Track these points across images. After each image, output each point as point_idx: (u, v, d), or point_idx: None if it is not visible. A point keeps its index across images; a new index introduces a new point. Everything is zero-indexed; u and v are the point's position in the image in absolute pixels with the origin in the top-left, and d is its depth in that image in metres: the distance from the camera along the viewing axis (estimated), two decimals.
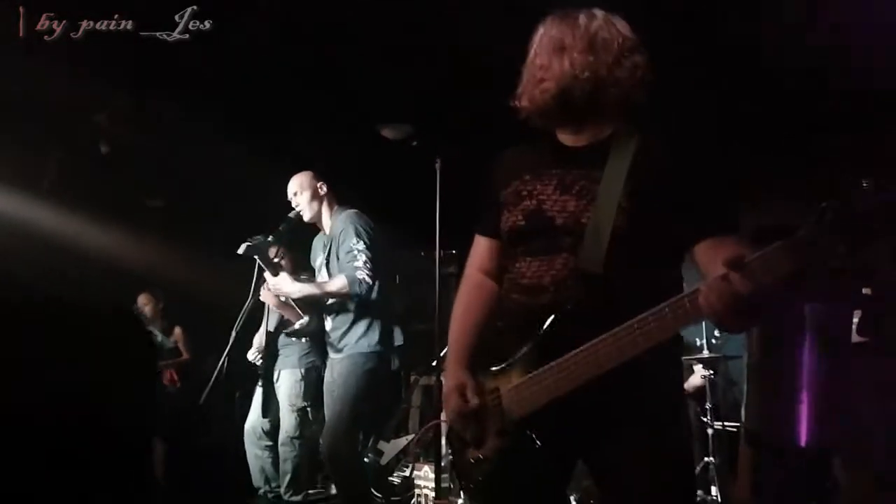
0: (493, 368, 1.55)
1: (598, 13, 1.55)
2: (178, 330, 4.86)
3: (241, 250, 3.23)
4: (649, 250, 1.38)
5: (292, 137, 4.94)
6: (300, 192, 3.42)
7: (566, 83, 1.48)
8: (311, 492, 4.53)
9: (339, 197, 3.54)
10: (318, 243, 3.61)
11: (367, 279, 3.13)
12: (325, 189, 3.45)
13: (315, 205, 3.43)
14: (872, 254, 1.00)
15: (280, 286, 3.28)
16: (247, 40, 3.81)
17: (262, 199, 4.57)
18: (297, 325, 3.48)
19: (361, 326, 3.27)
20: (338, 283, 3.17)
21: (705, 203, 1.41)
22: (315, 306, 3.42)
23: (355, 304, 3.25)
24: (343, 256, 3.21)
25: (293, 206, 3.43)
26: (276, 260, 3.36)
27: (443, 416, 3.74)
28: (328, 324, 3.36)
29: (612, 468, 1.45)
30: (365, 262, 3.14)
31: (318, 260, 3.52)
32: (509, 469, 1.49)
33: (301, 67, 4.14)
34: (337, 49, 3.98)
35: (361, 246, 3.18)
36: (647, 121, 1.54)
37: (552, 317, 1.42)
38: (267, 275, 3.31)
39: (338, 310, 3.32)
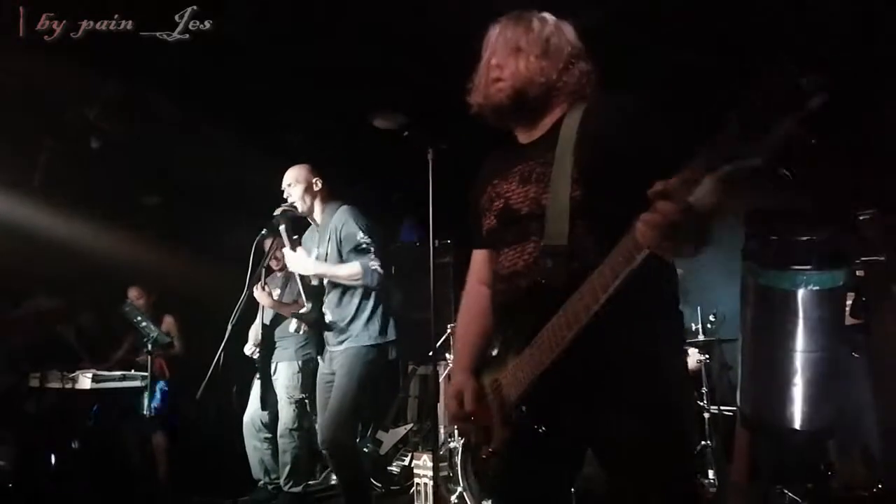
0: (492, 361, 1.61)
1: (550, 18, 1.64)
2: (168, 319, 4.85)
3: (277, 211, 3.29)
4: (611, 215, 1.36)
5: (285, 128, 4.92)
6: (294, 184, 3.42)
7: (521, 84, 1.56)
8: (310, 483, 4.55)
9: (333, 192, 3.53)
10: (309, 237, 3.60)
11: (380, 269, 3.21)
12: (319, 184, 3.45)
13: (308, 198, 3.42)
14: (771, 145, 1.02)
15: (297, 261, 3.29)
16: (239, 31, 3.78)
17: (256, 192, 4.58)
18: (300, 311, 3.50)
19: (363, 318, 3.29)
20: (352, 269, 3.20)
21: (653, 156, 1.40)
22: (317, 297, 3.42)
23: (359, 296, 3.28)
24: (353, 249, 3.25)
25: (285, 196, 3.42)
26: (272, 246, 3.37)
27: (441, 407, 3.78)
28: (329, 315, 3.36)
29: (612, 449, 1.46)
30: (375, 254, 3.22)
31: (311, 254, 3.50)
32: (519, 457, 1.52)
33: (293, 57, 4.11)
34: (330, 39, 3.95)
35: (368, 239, 3.23)
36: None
37: (534, 293, 1.46)
38: (286, 249, 3.34)
39: (339, 302, 3.33)
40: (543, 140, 1.58)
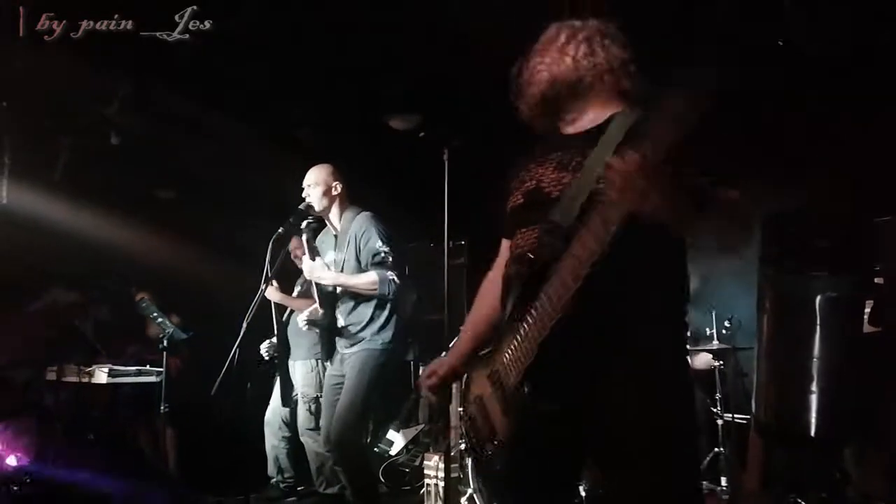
0: (486, 352, 1.63)
1: (593, 22, 1.65)
2: (174, 318, 4.90)
3: (301, 205, 3.36)
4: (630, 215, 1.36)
5: (300, 128, 4.94)
6: (314, 186, 3.43)
7: (556, 77, 1.59)
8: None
9: (351, 196, 3.55)
10: (321, 239, 3.62)
11: (396, 279, 3.25)
12: (339, 188, 3.47)
13: (326, 200, 3.43)
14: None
15: (316, 271, 3.33)
16: (255, 30, 3.81)
17: (271, 190, 4.60)
18: (306, 313, 3.51)
19: (376, 325, 3.32)
20: (369, 279, 3.24)
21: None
22: (331, 302, 3.44)
23: (374, 304, 3.30)
24: (370, 258, 3.28)
25: (304, 196, 3.44)
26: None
27: (454, 408, 3.78)
28: (342, 319, 3.37)
29: (607, 443, 1.45)
30: (393, 264, 3.26)
31: (326, 257, 3.52)
32: (526, 449, 1.51)
33: (309, 58, 4.13)
34: (345, 39, 3.97)
35: (387, 248, 3.27)
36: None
37: (524, 278, 1.48)
38: (306, 258, 3.39)
39: (353, 308, 3.34)
40: (588, 134, 1.58)
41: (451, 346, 1.84)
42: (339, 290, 3.41)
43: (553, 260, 1.42)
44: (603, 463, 1.50)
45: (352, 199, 3.54)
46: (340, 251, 3.42)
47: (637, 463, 1.39)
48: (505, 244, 1.78)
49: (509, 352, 1.50)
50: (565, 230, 1.43)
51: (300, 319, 3.54)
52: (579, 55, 1.58)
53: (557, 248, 1.42)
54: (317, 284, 3.45)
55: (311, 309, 3.50)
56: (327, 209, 3.46)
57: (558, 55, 1.60)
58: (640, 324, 1.41)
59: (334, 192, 3.45)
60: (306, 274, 3.40)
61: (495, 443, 1.55)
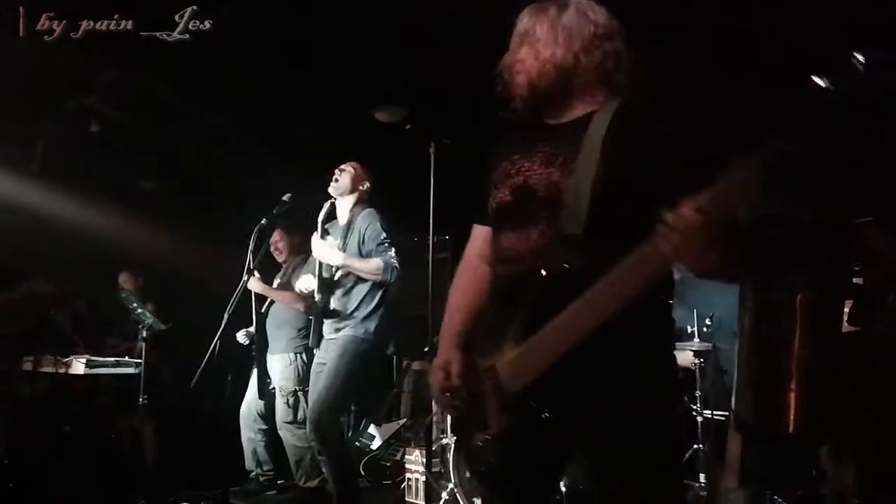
0: (487, 347, 1.56)
1: (572, 3, 1.59)
2: (149, 306, 4.86)
3: (286, 197, 3.47)
4: (630, 212, 1.37)
5: (285, 119, 4.90)
6: (347, 170, 3.58)
7: (534, 76, 1.55)
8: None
9: (371, 198, 3.68)
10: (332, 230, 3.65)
11: (398, 266, 3.40)
12: (366, 185, 3.63)
13: (350, 185, 3.58)
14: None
15: (324, 250, 3.42)
16: (241, 23, 3.77)
17: (254, 180, 4.57)
18: (303, 286, 3.65)
19: (363, 312, 3.41)
20: (374, 264, 3.36)
21: (679, 165, 1.43)
22: (327, 289, 3.47)
23: (365, 290, 3.42)
24: (374, 246, 3.41)
25: (333, 178, 3.57)
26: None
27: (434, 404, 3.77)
28: (335, 302, 3.49)
29: (599, 445, 1.46)
30: (395, 254, 3.41)
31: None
32: (517, 445, 1.51)
33: (294, 49, 4.10)
34: (331, 30, 3.94)
35: (390, 239, 3.43)
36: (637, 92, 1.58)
37: (538, 282, 1.44)
38: (316, 236, 3.50)
39: (345, 292, 3.43)
40: (573, 126, 1.55)
41: (437, 339, 1.78)
42: (336, 276, 3.43)
43: (570, 272, 1.40)
44: (595, 466, 1.51)
45: (368, 199, 3.66)
46: (341, 238, 3.50)
47: (629, 470, 1.41)
48: (480, 230, 1.75)
49: (518, 357, 1.46)
50: (581, 239, 1.41)
51: (300, 286, 3.62)
52: (544, 50, 1.54)
53: (575, 261, 1.40)
54: (319, 271, 3.51)
55: (306, 282, 3.57)
56: (346, 194, 3.58)
57: (526, 54, 1.56)
58: (633, 328, 1.38)
59: (361, 188, 3.61)
60: (315, 252, 3.46)
61: (487, 437, 1.53)
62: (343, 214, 3.59)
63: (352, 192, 3.59)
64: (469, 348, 1.64)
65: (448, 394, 1.61)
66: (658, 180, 1.37)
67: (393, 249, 3.42)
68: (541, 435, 1.48)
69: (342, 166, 3.62)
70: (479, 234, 1.76)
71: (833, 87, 1.01)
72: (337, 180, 3.56)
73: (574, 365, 1.37)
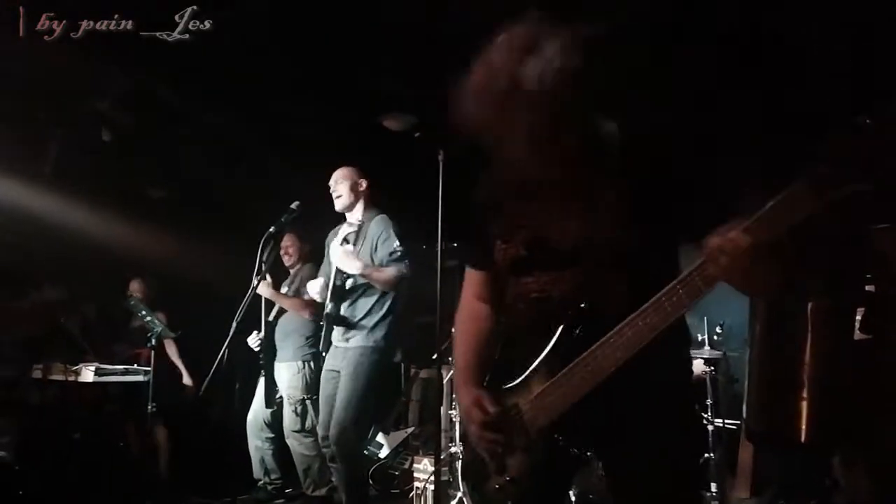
0: (508, 385, 1.53)
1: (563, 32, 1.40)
2: (160, 315, 4.87)
3: (294, 205, 3.31)
4: (655, 245, 1.37)
5: (293, 126, 4.91)
6: (341, 181, 3.58)
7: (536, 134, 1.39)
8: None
9: (376, 198, 3.67)
10: (334, 232, 3.65)
11: (407, 278, 3.43)
12: (364, 185, 3.61)
13: (352, 196, 3.58)
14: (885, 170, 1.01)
15: (344, 258, 3.40)
16: (248, 28, 3.79)
17: (262, 189, 4.58)
18: (317, 286, 3.62)
19: (373, 320, 3.43)
20: (390, 274, 3.38)
21: (699, 189, 1.44)
22: (339, 297, 3.49)
23: (374, 298, 3.44)
24: (387, 256, 3.42)
25: (332, 192, 3.57)
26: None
27: (444, 410, 3.76)
28: (344, 309, 3.51)
29: (622, 464, 1.46)
30: (408, 264, 3.43)
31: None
32: (540, 484, 1.49)
33: (303, 56, 4.11)
34: (340, 38, 3.95)
35: (403, 249, 3.44)
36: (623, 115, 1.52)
37: (562, 326, 1.43)
38: (335, 243, 3.50)
39: (355, 300, 3.45)
40: (573, 166, 1.45)
41: (455, 390, 1.76)
42: (348, 284, 3.46)
43: (597, 310, 1.39)
44: (616, 484, 1.51)
45: (374, 200, 3.66)
46: (356, 246, 3.51)
47: (652, 488, 1.41)
48: (477, 275, 1.73)
49: (541, 395, 1.45)
50: (605, 280, 1.40)
51: (312, 290, 3.60)
52: (544, 78, 1.33)
53: (607, 298, 1.39)
54: (333, 277, 3.53)
55: (320, 287, 3.59)
56: (352, 205, 3.59)
57: (512, 79, 1.35)
58: (654, 354, 1.36)
59: (360, 189, 3.59)
60: (333, 258, 3.47)
61: (507, 479, 1.51)
62: (356, 218, 3.61)
63: (356, 199, 3.60)
64: (490, 389, 1.60)
65: (490, 428, 1.52)
66: (676, 217, 1.38)
67: (406, 260, 3.43)
68: (562, 470, 1.49)
69: (334, 180, 3.60)
70: (476, 278, 1.74)
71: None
72: (339, 196, 3.57)
73: (598, 396, 1.37)
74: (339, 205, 3.59)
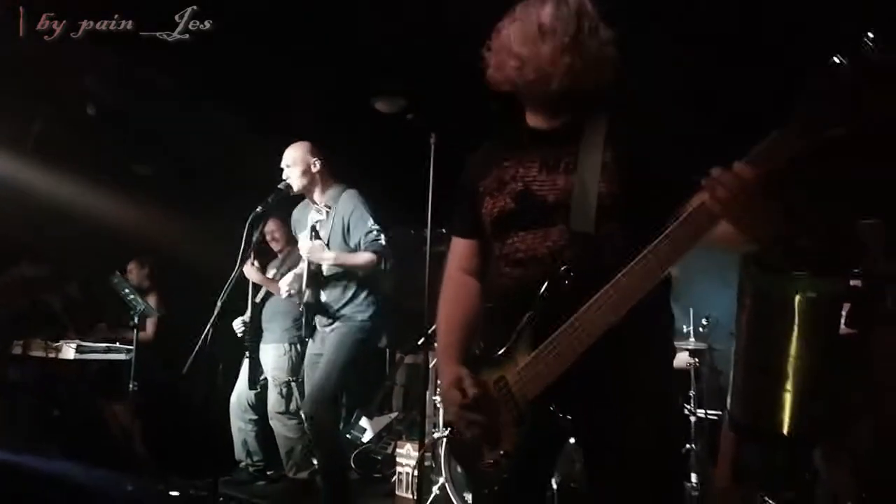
0: (494, 356, 1.51)
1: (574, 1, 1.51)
2: (151, 296, 4.82)
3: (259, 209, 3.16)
4: (640, 208, 1.37)
5: (284, 107, 4.86)
6: (293, 166, 3.40)
7: (545, 73, 1.46)
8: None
9: (334, 172, 3.52)
10: (303, 216, 3.57)
11: (391, 256, 3.33)
12: (318, 165, 3.43)
13: (306, 179, 3.41)
14: (876, 110, 1.00)
15: (316, 252, 3.31)
16: (239, 10, 3.74)
17: (253, 170, 4.52)
18: (288, 280, 3.52)
19: (356, 302, 3.35)
20: (366, 258, 3.26)
21: (683, 163, 1.43)
22: (317, 282, 3.42)
23: (356, 282, 3.34)
24: (363, 236, 3.28)
25: (284, 177, 3.38)
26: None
27: (429, 396, 3.75)
28: (325, 295, 3.38)
29: (602, 443, 1.45)
30: (385, 242, 3.28)
31: (305, 232, 3.48)
32: (534, 457, 1.49)
33: (294, 37, 4.06)
34: (331, 18, 3.90)
35: (378, 226, 3.29)
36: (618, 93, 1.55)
37: (547, 285, 1.41)
38: (303, 236, 3.40)
39: (337, 283, 3.37)
40: (568, 129, 1.51)
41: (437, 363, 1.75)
42: (325, 269, 3.38)
43: (586, 270, 1.37)
44: (595, 464, 1.50)
45: (335, 176, 3.50)
46: (325, 229, 3.38)
47: (630, 470, 1.40)
48: (462, 245, 1.72)
49: (529, 365, 1.43)
50: (595, 238, 1.40)
51: (283, 286, 3.52)
52: (558, 48, 1.44)
53: (591, 258, 1.38)
54: (308, 267, 3.43)
55: (290, 280, 3.48)
56: (309, 188, 3.43)
57: (536, 48, 1.46)
58: (637, 331, 1.36)
59: (314, 170, 3.42)
60: (305, 254, 3.36)
61: (501, 452, 1.48)
62: (318, 199, 3.46)
63: (311, 181, 3.40)
64: (474, 363, 1.59)
65: (469, 409, 1.51)
66: (667, 177, 1.37)
67: (383, 236, 3.27)
68: (553, 442, 1.48)
69: (284, 163, 3.39)
70: (462, 248, 1.73)
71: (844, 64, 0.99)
72: (290, 181, 3.33)
73: (583, 365, 1.35)
74: (293, 189, 3.36)
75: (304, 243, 3.35)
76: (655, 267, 1.26)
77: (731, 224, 1.18)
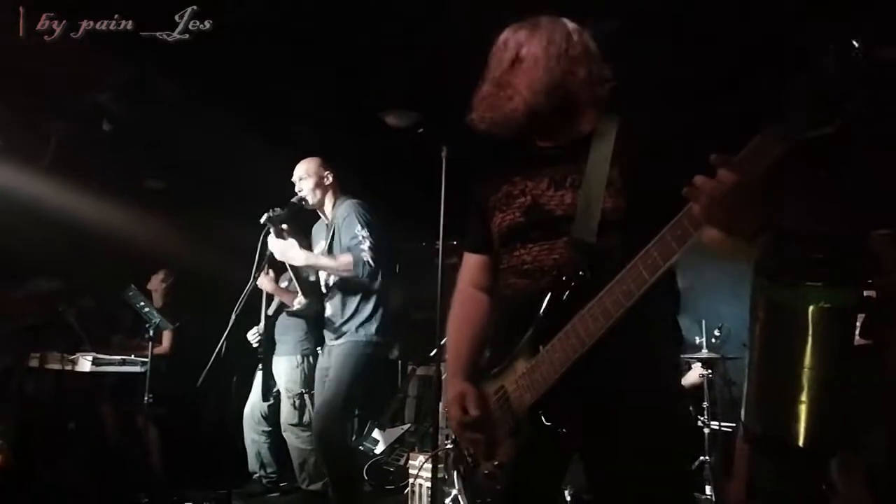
0: (495, 370, 1.54)
1: (560, 23, 1.56)
2: (167, 309, 4.85)
3: (263, 219, 3.24)
4: (643, 220, 1.36)
5: (296, 122, 4.90)
6: (305, 178, 3.44)
7: (534, 97, 1.48)
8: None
9: (343, 186, 3.55)
10: (318, 230, 3.61)
11: (371, 262, 3.17)
12: (330, 178, 3.47)
13: (319, 192, 3.44)
14: (853, 113, 1.00)
15: (287, 251, 3.26)
16: (251, 24, 3.78)
17: (264, 184, 4.56)
18: (295, 306, 3.50)
19: (361, 317, 3.32)
20: (343, 261, 3.20)
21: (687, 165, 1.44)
22: (317, 292, 3.43)
23: (360, 295, 3.31)
24: (348, 241, 3.24)
25: (297, 190, 3.42)
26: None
27: (441, 407, 3.75)
28: (329, 309, 3.38)
29: (606, 460, 1.45)
30: (370, 248, 3.19)
31: (318, 247, 3.52)
32: (529, 468, 1.49)
33: (306, 52, 4.10)
34: (343, 33, 3.94)
35: (366, 233, 3.23)
36: (624, 105, 1.57)
37: (549, 295, 1.43)
38: (271, 237, 3.33)
39: (341, 297, 3.35)
40: (573, 146, 1.54)
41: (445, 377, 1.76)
42: (322, 280, 3.40)
43: (585, 279, 1.39)
44: (601, 478, 1.50)
45: (345, 189, 3.53)
46: (328, 238, 3.41)
47: (639, 483, 1.39)
48: (474, 259, 1.75)
49: (526, 373, 1.45)
50: (595, 247, 1.42)
51: (285, 313, 3.54)
52: (544, 71, 1.48)
53: (590, 267, 1.40)
54: (295, 273, 3.45)
55: (297, 299, 3.51)
56: (321, 200, 3.46)
57: (524, 74, 1.49)
58: (642, 343, 1.39)
59: (326, 183, 3.45)
60: (276, 254, 3.30)
61: (495, 463, 1.50)
62: (328, 213, 3.49)
63: (323, 193, 3.44)
64: (480, 372, 1.61)
65: (469, 428, 1.54)
66: (672, 191, 1.37)
67: (368, 243, 3.19)
68: (551, 453, 1.47)
69: (297, 176, 3.44)
70: (473, 263, 1.75)
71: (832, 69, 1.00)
72: (304, 194, 3.39)
73: (584, 378, 1.36)
74: (307, 203, 3.41)
75: (273, 242, 3.28)
76: (644, 273, 1.27)
77: (715, 228, 1.20)
